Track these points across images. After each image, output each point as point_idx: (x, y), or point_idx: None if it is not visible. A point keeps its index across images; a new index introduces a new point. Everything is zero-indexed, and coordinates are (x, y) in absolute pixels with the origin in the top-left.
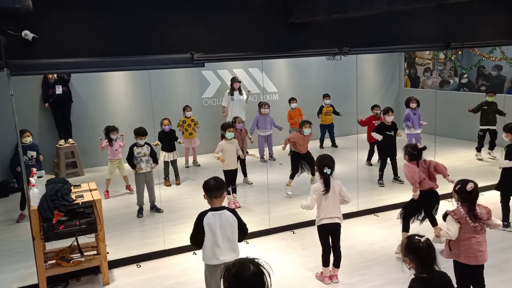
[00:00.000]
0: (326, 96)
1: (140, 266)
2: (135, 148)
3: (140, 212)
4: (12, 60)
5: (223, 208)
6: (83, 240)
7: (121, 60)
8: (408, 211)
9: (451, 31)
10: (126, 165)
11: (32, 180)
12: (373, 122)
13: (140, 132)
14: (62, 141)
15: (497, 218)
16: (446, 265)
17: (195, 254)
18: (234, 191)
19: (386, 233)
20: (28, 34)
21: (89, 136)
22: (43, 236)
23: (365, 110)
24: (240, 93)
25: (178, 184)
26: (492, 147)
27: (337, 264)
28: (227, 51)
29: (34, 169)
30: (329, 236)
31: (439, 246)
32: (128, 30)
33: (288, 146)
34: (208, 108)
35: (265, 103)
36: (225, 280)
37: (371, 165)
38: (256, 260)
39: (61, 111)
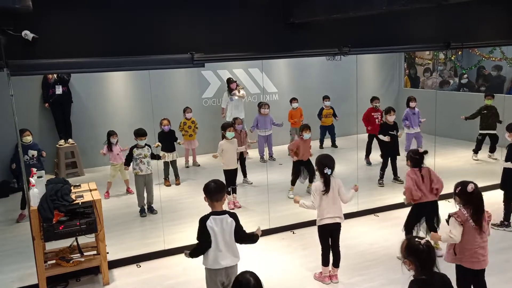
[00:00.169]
0: (326, 98)
1: (140, 266)
2: (135, 149)
3: (143, 211)
4: (12, 60)
5: (225, 212)
6: (83, 240)
7: (121, 60)
8: (409, 225)
9: (451, 31)
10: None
11: (32, 180)
12: (372, 114)
13: (140, 133)
14: (62, 141)
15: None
16: (444, 266)
17: (188, 254)
18: (234, 191)
19: (386, 233)
20: (28, 34)
21: (89, 136)
22: (43, 236)
23: (365, 110)
24: (239, 92)
25: (178, 184)
26: (492, 150)
27: (336, 264)
28: (227, 51)
29: (34, 169)
30: (329, 236)
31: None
32: (128, 30)
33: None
34: (208, 108)
35: (265, 103)
36: None
37: (370, 164)
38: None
39: (61, 111)
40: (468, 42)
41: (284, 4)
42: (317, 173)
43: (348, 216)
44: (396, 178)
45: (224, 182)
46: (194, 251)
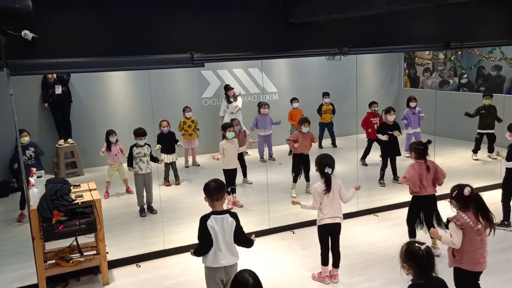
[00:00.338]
0: (325, 94)
1: (140, 266)
2: (134, 148)
3: (143, 211)
4: (12, 60)
5: (225, 212)
6: (83, 240)
7: (121, 60)
8: (411, 218)
9: (451, 31)
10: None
11: (32, 180)
12: (371, 119)
13: (139, 133)
14: (61, 141)
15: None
16: (440, 268)
17: (193, 253)
18: (234, 191)
19: (386, 233)
20: (27, 34)
21: (88, 136)
22: (43, 236)
23: (365, 110)
24: (235, 100)
25: (178, 184)
26: (491, 150)
27: (336, 264)
28: (227, 51)
29: (34, 169)
30: (329, 235)
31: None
32: (128, 30)
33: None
34: (208, 108)
35: (265, 103)
36: None
37: (366, 165)
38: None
39: (61, 111)
40: (468, 42)
41: (284, 4)
42: (317, 173)
43: (348, 216)
44: (395, 178)
45: (224, 182)
46: (197, 250)
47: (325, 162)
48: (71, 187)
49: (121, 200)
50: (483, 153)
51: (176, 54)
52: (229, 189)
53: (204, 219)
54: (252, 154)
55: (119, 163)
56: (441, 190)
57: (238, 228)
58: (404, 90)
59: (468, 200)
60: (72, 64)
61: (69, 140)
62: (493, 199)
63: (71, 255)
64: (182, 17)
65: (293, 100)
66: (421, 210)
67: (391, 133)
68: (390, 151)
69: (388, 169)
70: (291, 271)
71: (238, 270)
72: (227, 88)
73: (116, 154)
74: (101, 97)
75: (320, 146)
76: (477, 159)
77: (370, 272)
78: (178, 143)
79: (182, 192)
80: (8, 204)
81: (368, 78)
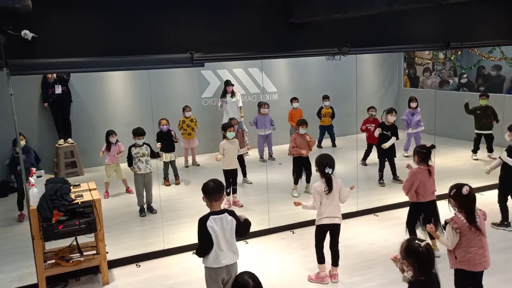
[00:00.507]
0: (325, 97)
1: (140, 266)
2: (132, 148)
3: (142, 211)
4: (12, 59)
5: (223, 211)
6: (83, 239)
7: (121, 60)
8: (410, 223)
9: (451, 31)
10: (124, 167)
11: (32, 179)
12: (368, 126)
13: (138, 132)
14: (61, 141)
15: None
16: (441, 266)
17: (195, 253)
18: (234, 191)
19: (386, 233)
20: (27, 34)
21: (88, 136)
22: (43, 236)
23: (364, 110)
24: (232, 96)
25: (177, 183)
26: (490, 150)
27: (335, 263)
28: (227, 51)
29: (34, 169)
30: (325, 235)
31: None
32: (128, 30)
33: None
34: (207, 108)
35: (265, 103)
36: None
37: (366, 165)
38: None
39: (61, 110)
40: (467, 42)
41: (284, 4)
42: (317, 173)
43: (347, 216)
44: (395, 178)
45: (224, 182)
46: (198, 251)
47: (325, 162)
48: (71, 187)
49: (121, 200)
50: (483, 153)
51: (176, 54)
52: (228, 190)
53: (203, 221)
54: (252, 154)
55: (116, 164)
56: (441, 190)
57: (239, 224)
58: (404, 90)
59: (466, 199)
60: (72, 64)
61: (69, 140)
62: (493, 199)
63: (71, 255)
64: (182, 17)
65: (293, 100)
66: (421, 214)
67: (386, 133)
68: (386, 153)
69: (388, 169)
70: (291, 271)
71: (238, 269)
72: (227, 83)
73: (114, 155)
74: (101, 97)
75: (320, 146)
76: (477, 159)
77: (370, 272)
78: (175, 136)
79: (182, 192)
80: (8, 204)
81: (368, 78)
